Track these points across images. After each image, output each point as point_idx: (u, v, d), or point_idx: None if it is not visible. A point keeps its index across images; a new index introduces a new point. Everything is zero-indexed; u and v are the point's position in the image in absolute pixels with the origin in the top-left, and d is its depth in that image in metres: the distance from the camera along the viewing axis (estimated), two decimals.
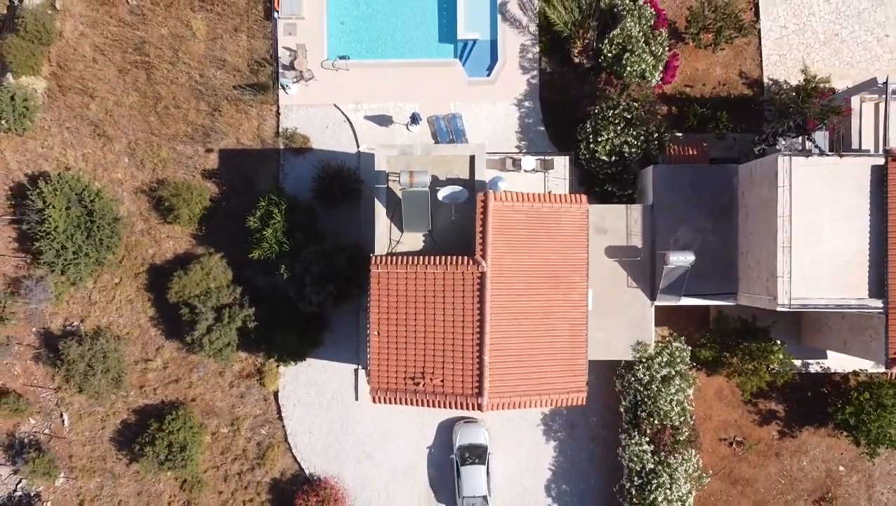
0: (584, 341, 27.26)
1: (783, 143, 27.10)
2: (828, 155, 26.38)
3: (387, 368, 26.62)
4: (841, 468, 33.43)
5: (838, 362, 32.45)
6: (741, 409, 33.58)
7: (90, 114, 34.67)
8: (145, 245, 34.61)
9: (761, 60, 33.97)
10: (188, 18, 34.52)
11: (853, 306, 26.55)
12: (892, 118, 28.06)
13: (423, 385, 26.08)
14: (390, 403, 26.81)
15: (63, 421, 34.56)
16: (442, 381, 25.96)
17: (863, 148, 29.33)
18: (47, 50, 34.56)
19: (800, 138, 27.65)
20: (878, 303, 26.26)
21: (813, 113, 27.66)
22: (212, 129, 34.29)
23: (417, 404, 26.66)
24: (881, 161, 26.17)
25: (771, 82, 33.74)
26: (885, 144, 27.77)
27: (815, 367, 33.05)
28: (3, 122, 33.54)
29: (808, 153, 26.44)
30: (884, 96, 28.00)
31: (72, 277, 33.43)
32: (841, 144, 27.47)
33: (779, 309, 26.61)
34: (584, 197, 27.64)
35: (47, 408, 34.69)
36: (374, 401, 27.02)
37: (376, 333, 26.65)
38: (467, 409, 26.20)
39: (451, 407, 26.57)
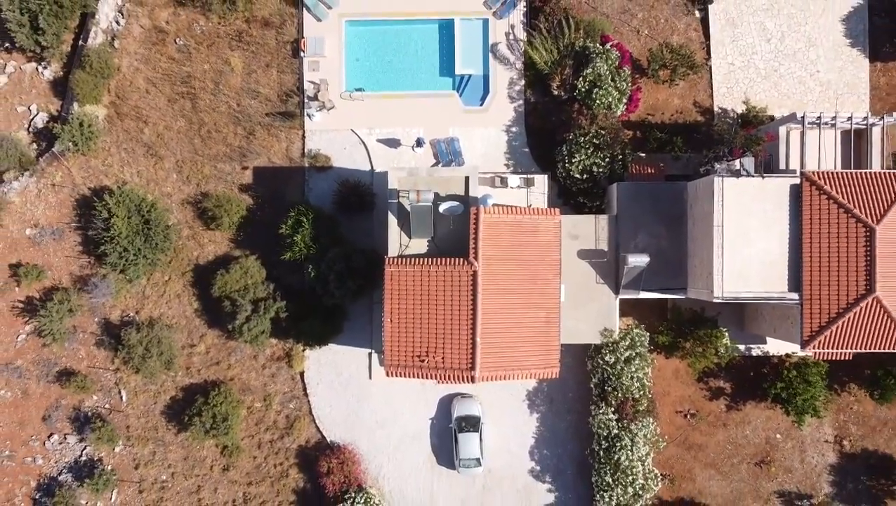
0: (558, 327, 33.45)
1: (718, 166, 33.28)
2: (753, 176, 32.62)
3: (398, 349, 32.78)
4: (778, 436, 39.56)
5: (776, 347, 38.53)
6: (694, 386, 39.69)
7: (144, 137, 40.79)
8: (191, 248, 40.71)
9: (712, 92, 40.06)
10: (227, 56, 40.60)
11: (775, 298, 32.71)
12: (809, 145, 34.38)
13: (428, 362, 32.27)
14: (401, 376, 32.99)
15: (121, 397, 40.68)
16: (443, 358, 32.17)
17: (790, 168, 35.40)
18: (107, 83, 40.55)
19: (737, 162, 33.80)
20: (795, 295, 32.33)
21: (739, 142, 33.91)
22: (247, 150, 40.39)
23: (423, 378, 32.85)
24: (797, 181, 32.32)
25: (720, 111, 39.88)
26: (802, 166, 33.99)
27: (756, 351, 39.11)
28: (71, 144, 39.76)
29: (737, 174, 32.74)
30: (807, 127, 34.30)
31: (130, 275, 39.53)
32: (763, 167, 33.49)
33: (715, 300, 32.78)
34: (557, 210, 33.87)
35: (107, 386, 40.78)
36: (387, 375, 33.20)
37: (390, 320, 32.80)
38: (463, 381, 32.37)
39: (449, 380, 32.75)
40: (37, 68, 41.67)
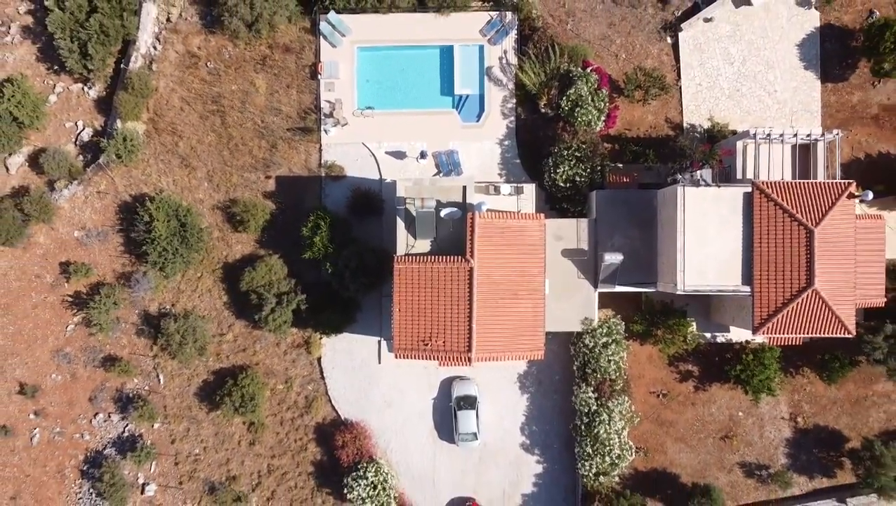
0: (543, 316, 38.55)
1: (680, 177, 38.40)
2: (710, 185, 37.75)
3: (406, 334, 37.79)
4: (740, 414, 44.60)
5: (738, 334, 43.51)
6: (666, 369, 44.70)
7: (178, 150, 45.96)
8: (220, 248, 45.84)
9: (682, 109, 45.03)
10: (252, 78, 45.74)
11: (730, 291, 37.71)
12: (762, 158, 39.48)
13: (431, 345, 37.37)
14: (408, 358, 38.07)
15: (159, 380, 45.84)
16: (444, 342, 37.27)
17: (747, 177, 40.52)
18: (146, 102, 45.68)
19: (697, 173, 38.96)
20: (747, 288, 37.32)
21: (698, 156, 39.10)
22: (271, 161, 45.54)
23: (427, 359, 37.96)
24: (749, 189, 37.36)
25: (689, 126, 44.88)
26: (755, 176, 39.10)
27: (721, 338, 44.08)
28: (115, 156, 44.92)
29: (697, 184, 37.88)
30: (758, 142, 39.45)
31: (168, 272, 44.68)
32: (719, 178, 38.67)
33: (679, 292, 37.81)
34: (542, 215, 39.02)
35: (147, 370, 45.95)
36: (396, 357, 38.30)
37: (398, 309, 37.89)
38: (461, 363, 37.51)
39: (449, 362, 37.90)
40: (83, 88, 46.89)
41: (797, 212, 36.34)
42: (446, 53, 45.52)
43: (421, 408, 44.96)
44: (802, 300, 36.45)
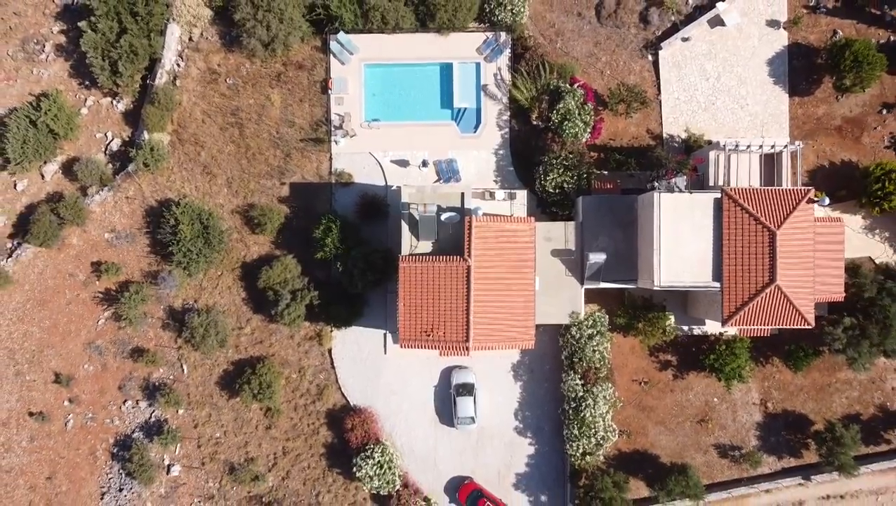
0: (533, 309, 42.60)
1: (657, 184, 42.49)
2: (684, 192, 41.86)
3: (410, 326, 41.74)
4: (715, 400, 48.64)
5: (712, 327, 47.45)
6: (647, 359, 48.68)
7: (200, 158, 50.00)
8: (239, 249, 49.86)
9: (662, 122, 49.04)
10: (268, 92, 49.75)
11: (702, 286, 41.81)
12: (733, 167, 43.56)
13: (433, 336, 41.40)
14: (412, 348, 42.06)
15: (183, 370, 49.87)
16: (444, 333, 41.30)
17: (718, 184, 44.54)
18: (171, 114, 49.67)
19: (673, 181, 43.07)
20: (717, 284, 41.36)
21: (671, 166, 43.22)
22: (285, 169, 49.55)
23: (429, 349, 41.97)
24: (719, 195, 41.44)
25: (668, 137, 48.96)
26: (726, 184, 43.17)
27: (697, 330, 48.12)
28: (143, 164, 48.97)
29: (672, 190, 41.97)
30: (728, 152, 43.58)
31: (191, 271, 48.66)
32: (691, 185, 42.74)
33: (656, 288, 41.87)
34: (532, 219, 43.08)
35: (171, 361, 49.96)
36: (401, 347, 42.30)
37: (403, 304, 41.82)
38: (459, 352, 41.58)
39: (449, 352, 41.96)
40: (112, 102, 50.97)
41: (761, 216, 40.29)
42: (446, 70, 49.47)
43: (423, 395, 48.85)
44: (766, 295, 40.39)
